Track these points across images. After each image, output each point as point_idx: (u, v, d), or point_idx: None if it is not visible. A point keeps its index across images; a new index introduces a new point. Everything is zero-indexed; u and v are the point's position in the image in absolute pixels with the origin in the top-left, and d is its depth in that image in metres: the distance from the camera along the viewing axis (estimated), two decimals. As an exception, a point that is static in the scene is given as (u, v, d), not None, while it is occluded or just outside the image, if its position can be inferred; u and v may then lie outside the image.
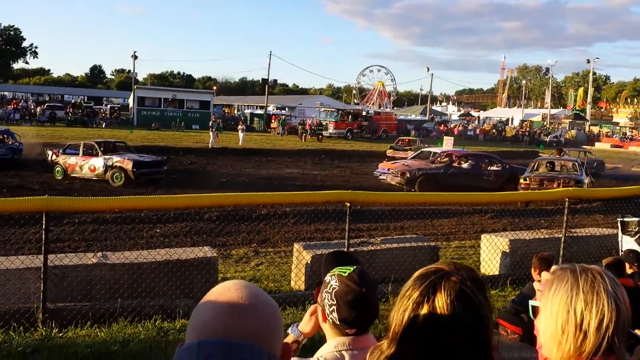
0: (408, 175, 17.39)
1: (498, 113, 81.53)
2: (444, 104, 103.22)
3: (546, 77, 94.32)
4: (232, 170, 21.89)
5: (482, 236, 8.71)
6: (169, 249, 6.85)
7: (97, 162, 16.46)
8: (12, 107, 48.46)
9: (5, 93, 73.54)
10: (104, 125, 44.74)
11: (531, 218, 13.21)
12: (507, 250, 8.07)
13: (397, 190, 15.53)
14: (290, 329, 1.96)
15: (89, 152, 16.90)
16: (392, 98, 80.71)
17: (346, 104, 71.77)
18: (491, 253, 8.19)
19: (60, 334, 4.99)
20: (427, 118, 65.96)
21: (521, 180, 17.30)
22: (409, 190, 16.29)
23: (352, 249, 7.01)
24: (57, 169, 17.07)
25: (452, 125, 61.40)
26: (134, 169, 16.04)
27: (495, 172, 18.28)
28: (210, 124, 33.47)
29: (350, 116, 45.41)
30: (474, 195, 9.52)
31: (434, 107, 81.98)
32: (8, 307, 5.25)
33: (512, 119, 72.00)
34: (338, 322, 1.67)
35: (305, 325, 1.88)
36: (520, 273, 7.30)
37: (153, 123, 44.29)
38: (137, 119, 47.61)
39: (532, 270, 4.96)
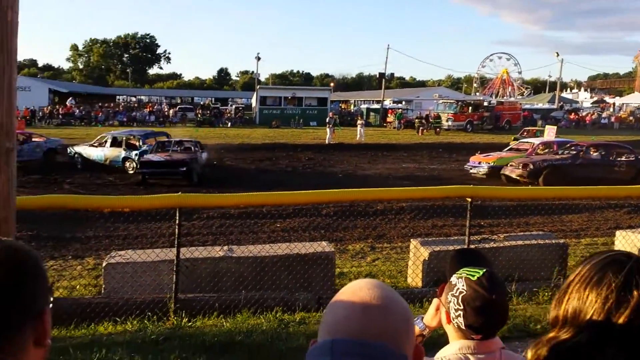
0: (531, 167, 16.42)
1: (637, 99, 74.33)
2: (574, 90, 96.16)
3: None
4: (348, 165, 22.07)
5: (617, 233, 7.99)
6: (289, 244, 7.05)
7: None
8: (148, 110, 52.78)
9: (142, 97, 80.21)
10: (229, 125, 47.22)
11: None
12: (647, 249, 7.32)
13: (515, 184, 14.72)
14: (415, 321, 1.91)
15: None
16: (516, 86, 76.61)
17: (466, 95, 69.35)
18: (627, 250, 7.47)
19: (190, 324, 5.32)
20: (555, 106, 61.79)
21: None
22: (531, 183, 15.37)
23: (472, 246, 6.75)
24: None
25: (583, 114, 57.01)
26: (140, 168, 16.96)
27: (627, 162, 16.83)
28: (327, 120, 34.02)
29: (470, 107, 43.81)
30: (610, 188, 8.73)
31: (563, 95, 76.71)
32: (143, 297, 5.69)
33: (654, 105, 65.26)
34: (464, 327, 1.59)
35: (432, 319, 1.82)
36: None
37: (273, 121, 45.98)
38: (259, 118, 49.66)
39: None
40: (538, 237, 7.78)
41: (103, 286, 6.03)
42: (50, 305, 1.08)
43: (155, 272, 6.07)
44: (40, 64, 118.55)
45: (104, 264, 6.14)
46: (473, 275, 1.58)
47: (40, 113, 47.99)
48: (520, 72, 79.06)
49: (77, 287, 6.86)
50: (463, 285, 1.58)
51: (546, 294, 6.17)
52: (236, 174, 18.67)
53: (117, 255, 6.42)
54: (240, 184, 16.18)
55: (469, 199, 6.42)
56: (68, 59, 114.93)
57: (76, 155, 19.89)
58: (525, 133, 29.39)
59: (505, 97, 65.64)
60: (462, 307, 1.56)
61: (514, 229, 9.94)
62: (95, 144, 19.98)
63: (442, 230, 10.22)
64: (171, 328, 5.14)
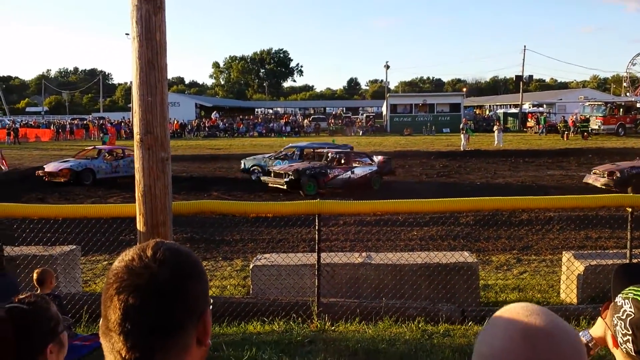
0: (618, 175, 14.69)
1: None
2: None
3: None
4: (486, 173, 21.17)
5: None
6: (428, 252, 6.87)
7: None
8: (284, 121, 55.11)
9: (278, 109, 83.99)
10: (360, 133, 47.77)
11: None
12: None
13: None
14: (581, 332, 1.71)
15: None
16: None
17: (615, 96, 63.55)
18: None
19: (333, 328, 5.36)
20: None
21: None
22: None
23: (635, 260, 6.09)
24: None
25: None
26: None
27: None
28: (461, 127, 33.02)
29: (621, 109, 40.07)
30: None
31: None
32: (288, 299, 5.86)
33: None
34: (634, 354, 1.38)
35: (596, 328, 1.62)
36: None
37: (405, 128, 45.67)
38: (389, 126, 49.65)
39: None
40: None
41: (251, 287, 6.31)
42: (210, 306, 1.08)
43: (298, 276, 6.23)
44: (186, 81, 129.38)
45: (251, 266, 6.43)
46: None
47: (189, 126, 52.11)
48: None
49: (228, 287, 7.27)
50: (630, 308, 1.38)
51: None
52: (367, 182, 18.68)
53: (262, 258, 6.70)
54: (360, 187, 16.38)
55: (630, 209, 5.81)
56: (211, 76, 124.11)
57: (254, 168, 19.81)
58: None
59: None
60: (630, 332, 1.37)
61: (684, 243, 8.81)
62: (282, 156, 20.00)
63: (596, 242, 9.36)
64: (315, 331, 5.22)
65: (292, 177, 16.69)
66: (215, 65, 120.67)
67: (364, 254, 6.91)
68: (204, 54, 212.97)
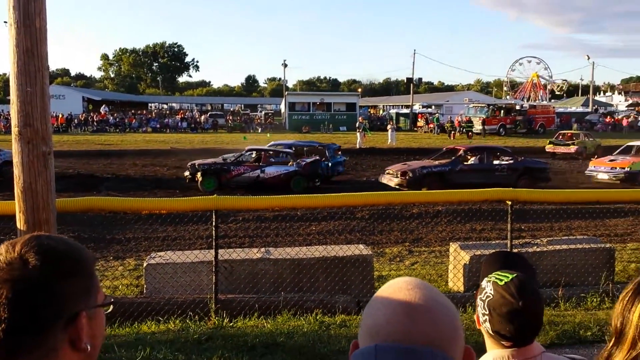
0: (410, 175, 15.03)
1: (676, 101, 72.25)
2: (608, 93, 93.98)
3: None
4: (380, 170, 21.90)
5: (668, 237, 7.71)
6: (325, 246, 6.99)
7: None
8: (180, 116, 53.53)
9: (174, 104, 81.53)
10: (259, 130, 47.57)
11: None
12: (701, 254, 7.04)
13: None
14: None
15: None
16: (547, 90, 75.37)
17: (497, 99, 68.48)
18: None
19: (231, 324, 5.30)
20: (590, 110, 60.47)
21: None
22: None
23: (515, 250, 6.59)
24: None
25: (619, 117, 55.61)
26: None
27: (508, 166, 16.12)
28: (357, 125, 33.96)
29: (502, 111, 43.24)
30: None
31: (596, 98, 75.02)
32: (184, 297, 5.71)
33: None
34: (492, 333, 1.50)
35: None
36: None
37: (303, 126, 46.17)
38: (288, 124, 49.91)
39: None
40: (583, 242, 7.56)
41: (145, 286, 6.07)
42: (105, 309, 1.02)
43: (195, 273, 6.08)
44: (72, 73, 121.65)
45: (144, 265, 6.18)
46: (501, 280, 1.49)
47: (76, 120, 49.07)
48: (550, 76, 77.69)
49: (120, 287, 6.92)
50: (490, 290, 1.50)
51: (595, 299, 5.97)
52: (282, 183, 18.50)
53: (157, 256, 6.45)
54: (275, 188, 16.02)
55: (510, 202, 6.28)
56: (99, 68, 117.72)
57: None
58: (560, 137, 28.79)
59: (537, 101, 64.50)
60: (488, 312, 1.48)
61: (556, 233, 9.68)
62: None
63: (481, 234, 10.03)
64: (213, 328, 5.13)
65: (190, 173, 16.23)
66: (104, 57, 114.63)
67: (262, 249, 6.89)
68: (92, 45, 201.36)
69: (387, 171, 16.30)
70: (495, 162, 16.45)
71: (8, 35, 4.13)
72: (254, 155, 17.14)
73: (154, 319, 5.23)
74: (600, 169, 18.35)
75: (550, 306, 5.88)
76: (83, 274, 0.97)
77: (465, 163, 16.30)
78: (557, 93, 71.81)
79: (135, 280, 7.21)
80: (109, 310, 1.04)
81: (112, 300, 1.08)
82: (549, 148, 27.43)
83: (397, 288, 0.92)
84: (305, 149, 18.71)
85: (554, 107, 54.19)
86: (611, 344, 1.20)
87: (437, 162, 16.28)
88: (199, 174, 16.04)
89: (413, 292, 0.90)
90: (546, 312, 5.65)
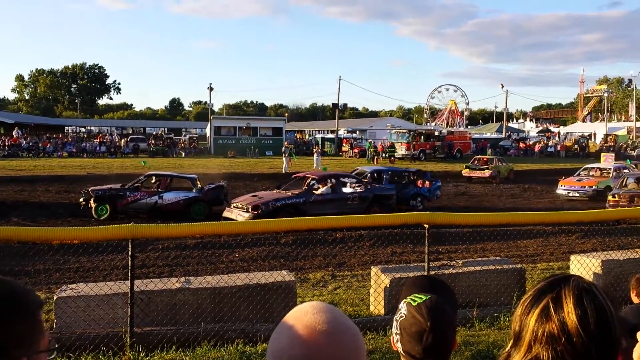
0: (263, 208, 14.01)
1: (579, 128, 77.89)
2: (520, 120, 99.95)
3: (629, 89, 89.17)
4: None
5: (572, 257, 8.22)
6: (248, 274, 6.92)
7: None
8: (98, 140, 51.57)
9: (92, 128, 78.55)
10: (183, 155, 46.66)
11: (623, 237, 12.37)
12: (600, 272, 7.55)
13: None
14: None
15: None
16: (465, 117, 79.16)
17: (417, 125, 71.09)
18: (582, 275, 7.66)
19: (147, 358, 5.10)
20: (503, 136, 63.99)
21: (610, 197, 16.43)
22: None
23: (432, 272, 6.79)
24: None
25: (531, 142, 59.16)
26: None
27: (359, 195, 15.78)
28: (283, 150, 34.09)
29: (422, 136, 44.89)
30: (560, 214, 9.03)
31: (510, 124, 79.49)
32: (97, 331, 5.44)
33: (595, 134, 68.50)
34: (403, 353, 1.54)
35: None
36: (614, 295, 6.76)
37: (229, 151, 45.77)
38: (213, 148, 49.32)
39: (632, 292, 4.57)
40: (496, 263, 7.91)
41: (54, 321, 5.73)
42: (49, 354, 0.97)
43: (109, 306, 5.82)
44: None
45: (54, 298, 5.85)
46: (414, 301, 1.52)
47: (-16, 144, 46.10)
48: (467, 103, 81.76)
49: (25, 323, 6.47)
50: (404, 310, 1.53)
51: (507, 319, 6.22)
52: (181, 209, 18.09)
53: (68, 289, 6.12)
54: (174, 215, 15.20)
55: (427, 225, 6.48)
56: (13, 90, 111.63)
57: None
58: (476, 162, 30.20)
59: (455, 127, 67.51)
60: (399, 332, 1.51)
61: (472, 255, 10.08)
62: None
63: (401, 257, 10.27)
64: (127, 364, 4.90)
65: (83, 199, 15.49)
66: (19, 78, 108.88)
67: (182, 278, 6.70)
68: (6, 66, 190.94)
69: (234, 204, 14.81)
70: (345, 189, 16.08)
71: None
72: (152, 181, 16.67)
73: (64, 356, 4.93)
74: (572, 188, 20.99)
75: (465, 326, 6.08)
76: (27, 318, 0.93)
77: (316, 193, 15.51)
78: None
79: (44, 315, 6.78)
80: (53, 356, 0.99)
81: (57, 345, 1.03)
82: (466, 172, 28.68)
83: (302, 312, 0.94)
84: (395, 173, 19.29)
85: (470, 133, 56.98)
86: (509, 345, 1.25)
87: (290, 193, 15.29)
88: (92, 200, 15.30)
89: (317, 316, 0.91)
90: (461, 332, 5.84)
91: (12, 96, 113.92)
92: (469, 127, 78.71)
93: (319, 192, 15.60)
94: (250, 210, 13.97)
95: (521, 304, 1.25)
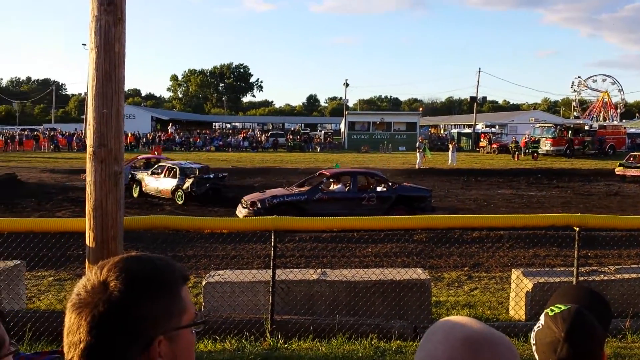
0: (259, 205, 13.45)
1: None
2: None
3: None
4: (439, 191, 21.56)
5: None
6: (382, 269, 6.94)
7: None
8: (242, 136, 54.85)
9: (237, 124, 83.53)
10: (318, 150, 48.00)
11: None
12: None
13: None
14: None
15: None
16: (619, 110, 72.17)
17: (565, 119, 66.16)
18: None
19: (286, 345, 5.32)
20: (664, 130, 57.40)
21: None
22: None
23: (581, 278, 6.31)
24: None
25: (698, 138, 52.45)
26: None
27: (378, 195, 14.27)
28: (417, 145, 33.67)
29: (570, 131, 41.74)
30: None
31: (673, 118, 71.05)
32: (241, 316, 5.79)
33: None
34: None
35: None
36: None
37: (362, 146, 46.21)
38: (347, 143, 50.14)
39: None
40: (655, 271, 7.14)
41: (203, 304, 6.20)
42: (194, 330, 1.00)
43: (252, 293, 6.17)
44: (143, 94, 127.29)
45: (203, 283, 6.32)
46: (552, 311, 1.44)
47: (144, 139, 51.16)
48: (622, 94, 74.37)
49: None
50: (542, 321, 1.46)
51: (667, 332, 5.61)
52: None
53: (216, 275, 6.60)
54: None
55: (577, 228, 6.02)
56: (168, 89, 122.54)
57: None
58: (632, 159, 27.41)
59: (607, 121, 61.84)
60: (534, 342, 1.45)
61: (625, 261, 9.20)
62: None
63: (544, 260, 9.65)
64: (268, 349, 5.17)
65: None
66: (174, 78, 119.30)
67: (319, 270, 6.90)
68: (163, 67, 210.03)
69: (242, 201, 14.43)
70: (364, 189, 14.76)
71: (88, 59, 4.35)
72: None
73: (211, 338, 5.32)
74: None
75: (616, 337, 5.60)
76: (165, 296, 0.96)
77: (326, 191, 14.45)
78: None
79: (193, 298, 7.38)
80: (200, 329, 1.02)
81: (203, 319, 1.06)
82: (619, 171, 26.19)
83: (453, 322, 0.92)
84: None
85: (625, 128, 51.77)
86: None
87: (296, 190, 14.48)
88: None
89: (470, 325, 0.90)
90: (612, 343, 5.39)
91: (167, 95, 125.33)
92: (624, 121, 71.55)
93: (329, 189, 14.66)
94: (248, 206, 13.70)
95: None
